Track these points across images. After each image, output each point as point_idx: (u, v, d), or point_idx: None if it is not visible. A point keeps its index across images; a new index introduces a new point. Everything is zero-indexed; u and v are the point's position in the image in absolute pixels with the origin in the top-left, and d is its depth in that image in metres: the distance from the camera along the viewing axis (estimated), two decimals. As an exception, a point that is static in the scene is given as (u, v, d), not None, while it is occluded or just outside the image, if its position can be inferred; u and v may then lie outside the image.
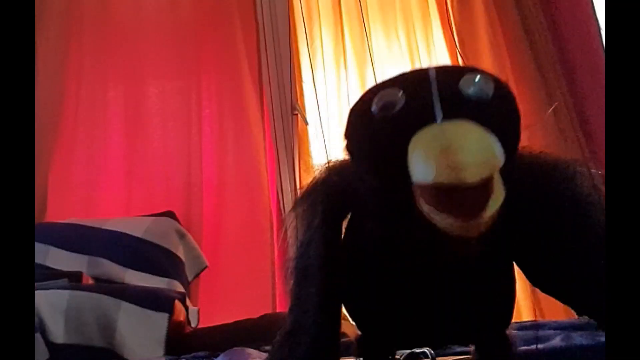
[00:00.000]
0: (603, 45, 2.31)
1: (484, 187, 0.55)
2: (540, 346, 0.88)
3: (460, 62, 2.38)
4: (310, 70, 2.31)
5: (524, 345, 0.88)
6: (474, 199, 0.56)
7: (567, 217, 0.65)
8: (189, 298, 1.73)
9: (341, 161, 0.71)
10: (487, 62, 2.33)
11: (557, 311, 1.88)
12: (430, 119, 0.57)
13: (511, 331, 0.75)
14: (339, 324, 0.72)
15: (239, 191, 2.16)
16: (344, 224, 0.72)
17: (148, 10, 2.36)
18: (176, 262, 1.86)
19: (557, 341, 0.93)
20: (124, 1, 2.37)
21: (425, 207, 0.58)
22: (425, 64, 2.41)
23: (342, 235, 0.72)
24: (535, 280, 0.73)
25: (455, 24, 2.43)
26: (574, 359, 0.85)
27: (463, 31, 2.41)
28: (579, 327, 1.03)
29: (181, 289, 1.74)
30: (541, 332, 1.02)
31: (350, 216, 0.72)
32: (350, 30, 2.42)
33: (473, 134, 0.57)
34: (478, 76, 0.61)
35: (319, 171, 0.74)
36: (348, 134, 0.66)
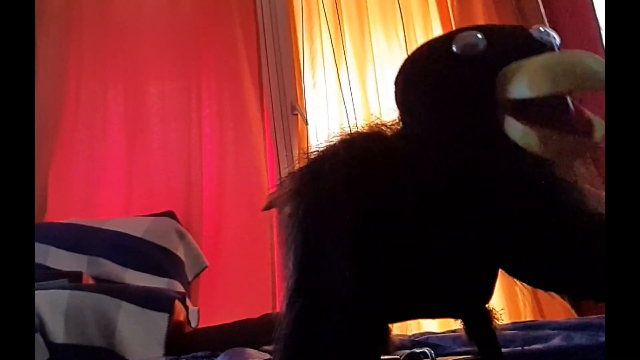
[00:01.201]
0: (603, 45, 2.31)
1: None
2: (540, 346, 0.88)
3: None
4: (311, 70, 2.31)
5: (524, 345, 0.88)
6: (588, 113, 0.57)
7: (543, 197, 0.65)
8: (189, 298, 1.73)
9: (354, 135, 0.69)
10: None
11: (557, 311, 1.88)
12: (520, 57, 0.60)
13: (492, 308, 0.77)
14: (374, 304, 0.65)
15: (239, 191, 2.15)
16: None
17: (148, 10, 2.36)
18: (176, 262, 1.86)
19: (557, 341, 0.93)
20: (124, 1, 2.37)
21: (533, 130, 0.57)
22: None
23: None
24: (514, 268, 0.73)
25: (455, 24, 2.43)
26: (574, 359, 0.85)
27: (463, 31, 2.41)
28: (579, 327, 1.03)
29: (181, 289, 1.74)
30: (541, 332, 1.02)
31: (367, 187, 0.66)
32: (350, 30, 2.42)
33: (588, 54, 0.58)
34: (543, 28, 0.65)
35: (327, 145, 0.69)
36: (420, 78, 0.67)
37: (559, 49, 0.65)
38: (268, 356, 1.08)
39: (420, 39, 2.44)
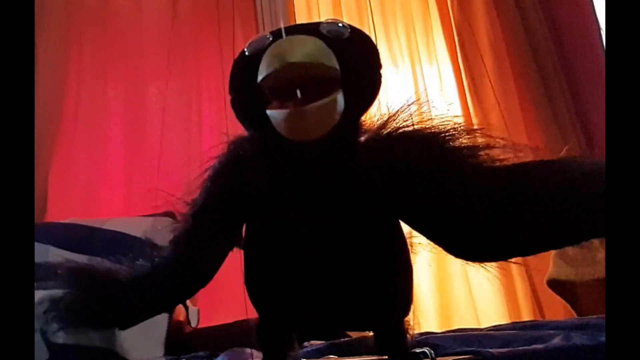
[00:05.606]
0: (603, 46, 2.31)
1: (312, 79, 0.60)
2: (540, 346, 0.88)
3: (460, 63, 2.38)
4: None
5: (524, 345, 0.88)
6: (301, 83, 0.60)
7: (443, 164, 0.69)
8: (189, 298, 1.73)
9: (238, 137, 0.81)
10: (487, 62, 2.34)
11: (557, 311, 1.88)
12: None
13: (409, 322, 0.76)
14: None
15: (239, 191, 2.15)
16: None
17: (148, 10, 2.36)
18: (176, 262, 1.86)
19: (557, 341, 0.93)
20: (124, 1, 2.37)
21: (270, 113, 0.63)
22: (425, 65, 2.41)
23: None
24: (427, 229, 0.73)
25: (455, 24, 2.43)
26: (574, 359, 0.84)
27: (463, 31, 2.41)
28: (579, 327, 1.03)
29: (181, 289, 1.74)
30: (541, 332, 1.02)
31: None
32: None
33: (303, 37, 0.63)
34: (337, 22, 0.69)
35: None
36: (229, 82, 0.74)
37: (351, 38, 0.68)
38: (268, 356, 1.08)
39: (420, 39, 2.44)
